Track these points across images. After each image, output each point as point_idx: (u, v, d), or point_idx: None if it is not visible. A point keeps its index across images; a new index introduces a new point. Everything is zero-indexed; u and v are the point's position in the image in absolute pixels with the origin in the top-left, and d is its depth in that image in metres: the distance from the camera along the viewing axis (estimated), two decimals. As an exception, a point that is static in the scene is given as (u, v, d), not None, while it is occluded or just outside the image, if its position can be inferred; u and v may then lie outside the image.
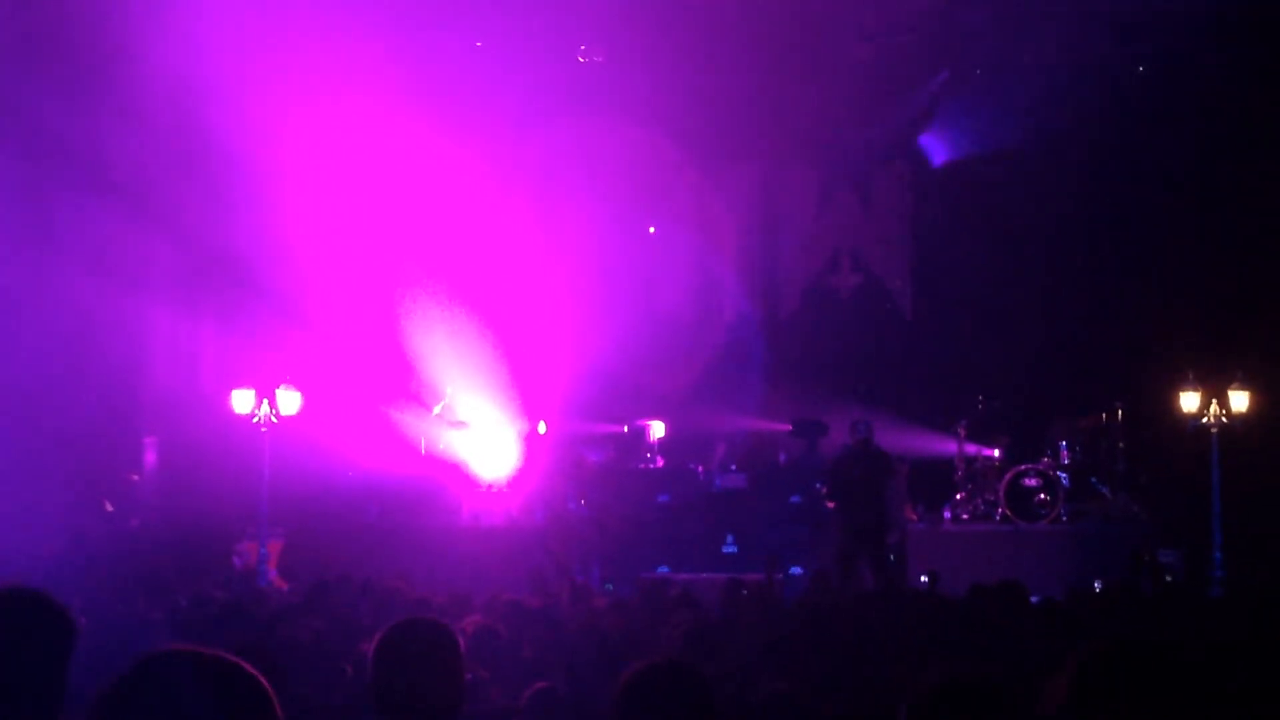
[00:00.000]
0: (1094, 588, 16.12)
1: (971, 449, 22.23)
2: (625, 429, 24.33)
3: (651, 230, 26.67)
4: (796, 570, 20.62)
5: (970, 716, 4.28)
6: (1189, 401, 20.57)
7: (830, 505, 19.52)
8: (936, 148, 25.66)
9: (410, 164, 22.95)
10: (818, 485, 20.44)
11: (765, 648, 8.93)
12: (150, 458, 24.27)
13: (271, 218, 21.69)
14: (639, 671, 4.58)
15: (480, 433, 22.95)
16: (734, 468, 24.38)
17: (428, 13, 22.74)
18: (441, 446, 22.98)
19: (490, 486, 22.62)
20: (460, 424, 23.02)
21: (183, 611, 12.53)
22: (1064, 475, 21.56)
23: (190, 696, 3.17)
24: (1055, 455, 21.85)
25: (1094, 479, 22.47)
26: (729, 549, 22.36)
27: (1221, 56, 22.21)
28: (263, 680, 3.27)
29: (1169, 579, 18.97)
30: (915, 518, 21.87)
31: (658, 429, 24.24)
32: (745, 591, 14.86)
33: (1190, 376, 20.62)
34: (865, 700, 7.54)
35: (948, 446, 22.56)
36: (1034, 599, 11.60)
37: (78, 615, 4.09)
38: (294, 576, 19.85)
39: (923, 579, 19.13)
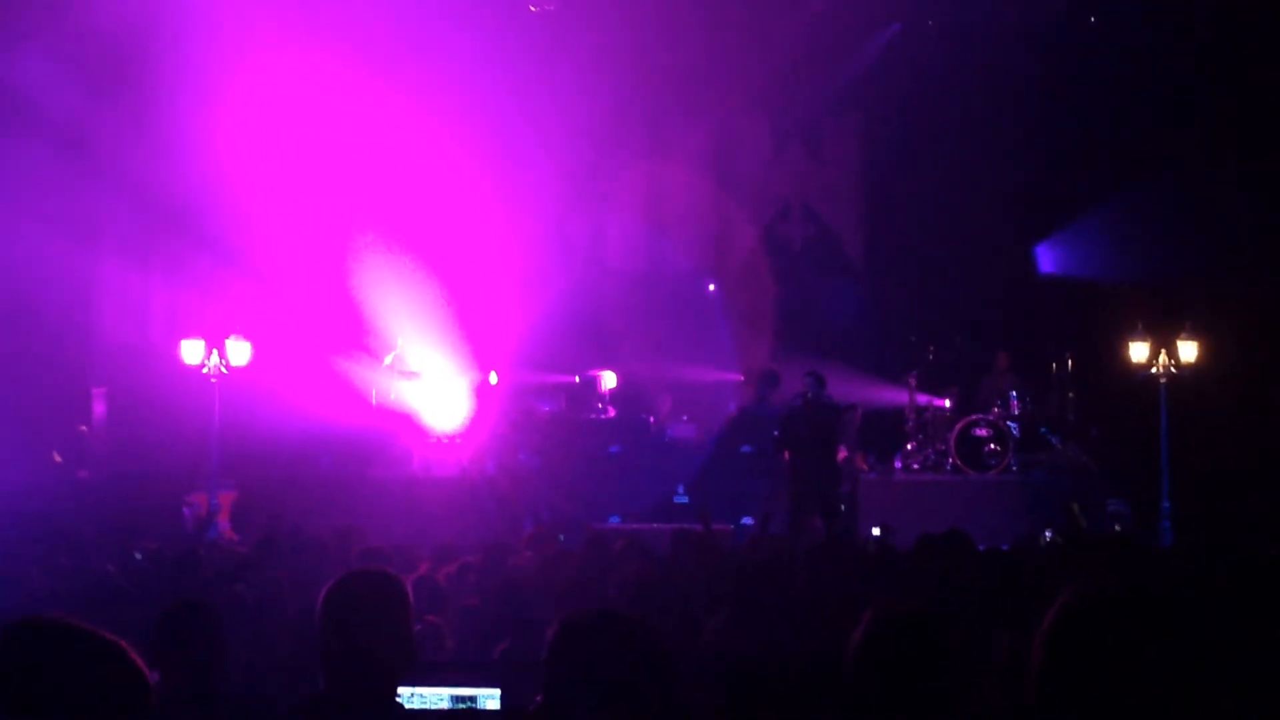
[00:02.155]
0: (1044, 536, 16.23)
1: (923, 399, 22.31)
2: (576, 379, 24.28)
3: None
4: (748, 520, 20.65)
5: (910, 648, 4.42)
6: (1138, 351, 20.69)
7: (785, 457, 19.58)
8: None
9: (359, 113, 22.82)
10: (774, 433, 20.46)
11: (714, 598, 8.96)
12: (99, 409, 24.10)
13: (220, 167, 21.54)
14: (568, 621, 4.53)
15: (431, 383, 22.87)
16: (685, 418, 24.39)
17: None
18: (392, 397, 22.91)
19: (441, 437, 22.57)
20: (411, 374, 22.93)
21: (135, 563, 12.48)
22: (1014, 425, 21.64)
23: (56, 670, 3.13)
24: (1005, 405, 21.93)
25: (1044, 429, 22.60)
26: (680, 499, 22.37)
27: (1172, 15, 22.31)
28: (133, 655, 3.22)
29: (1118, 528, 19.13)
30: (866, 468, 21.95)
31: (609, 379, 24.18)
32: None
33: (1139, 326, 20.76)
34: (814, 650, 7.58)
35: (899, 397, 22.63)
36: (981, 548, 11.67)
37: (29, 566, 4.07)
38: (247, 528, 19.78)
39: (874, 531, 19.19)
